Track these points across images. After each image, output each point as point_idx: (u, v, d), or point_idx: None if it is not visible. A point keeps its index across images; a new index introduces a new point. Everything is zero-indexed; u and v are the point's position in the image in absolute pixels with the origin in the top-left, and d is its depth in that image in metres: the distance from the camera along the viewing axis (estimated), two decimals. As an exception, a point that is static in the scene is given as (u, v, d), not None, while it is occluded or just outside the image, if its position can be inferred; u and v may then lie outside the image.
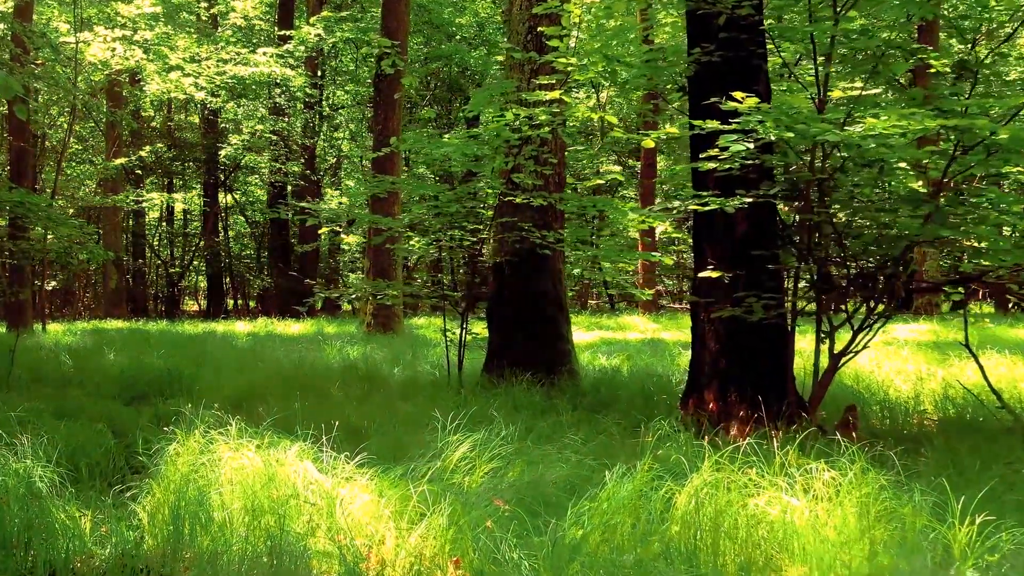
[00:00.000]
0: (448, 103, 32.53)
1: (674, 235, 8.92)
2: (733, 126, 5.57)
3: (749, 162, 5.77)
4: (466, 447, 5.20)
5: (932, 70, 7.33)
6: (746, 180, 6.41)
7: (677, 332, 18.12)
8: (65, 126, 25.32)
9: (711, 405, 6.91)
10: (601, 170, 31.74)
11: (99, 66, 20.61)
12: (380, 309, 16.47)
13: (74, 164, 29.64)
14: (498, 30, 30.50)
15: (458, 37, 29.46)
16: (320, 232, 12.04)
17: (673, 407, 7.64)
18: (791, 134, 5.22)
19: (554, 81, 8.35)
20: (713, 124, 5.55)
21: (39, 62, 18.17)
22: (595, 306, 34.45)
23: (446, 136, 8.42)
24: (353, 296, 8.58)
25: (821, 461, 4.23)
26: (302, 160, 27.82)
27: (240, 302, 35.21)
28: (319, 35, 24.99)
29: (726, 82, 6.59)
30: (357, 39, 27.04)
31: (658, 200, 27.53)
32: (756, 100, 5.19)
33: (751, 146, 5.16)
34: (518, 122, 8.12)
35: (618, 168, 33.65)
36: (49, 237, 13.12)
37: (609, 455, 5.34)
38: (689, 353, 11.95)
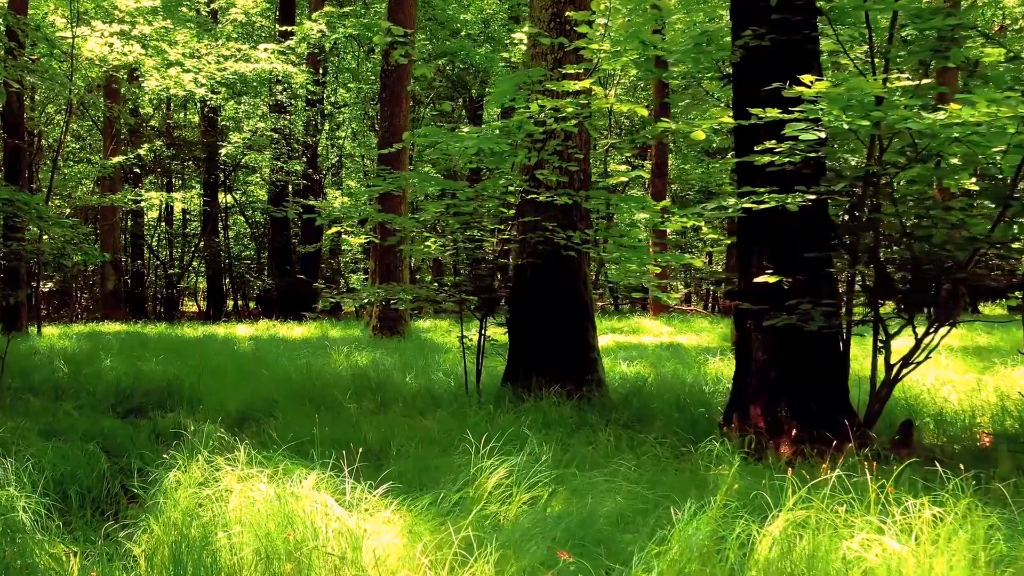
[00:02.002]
0: (452, 100, 31.91)
1: (715, 236, 8.27)
2: (795, 114, 5.01)
3: (812, 155, 5.20)
4: (502, 473, 4.63)
5: (986, 59, 6.78)
6: (799, 175, 5.86)
7: (693, 336, 17.57)
8: (61, 124, 24.74)
9: (759, 421, 6.34)
10: (609, 169, 31.16)
11: (96, 62, 20.02)
12: (387, 312, 15.90)
13: (71, 164, 29.02)
14: (503, 27, 29.90)
15: (463, 34, 28.86)
16: (329, 232, 11.45)
17: (713, 421, 7.08)
18: (866, 122, 4.66)
19: (581, 70, 7.79)
20: (773, 112, 4.99)
21: (34, 57, 17.59)
22: (600, 308, 33.87)
23: (465, 130, 7.83)
24: (365, 301, 8.00)
25: (925, 497, 3.66)
26: (304, 159, 27.21)
27: (240, 303, 34.57)
28: (322, 30, 24.39)
29: (778, 68, 6.02)
30: (360, 35, 26.43)
31: (668, 201, 26.92)
32: (827, 84, 4.62)
33: (823, 135, 4.59)
34: (543, 114, 7.56)
35: (624, 167, 33.02)
36: (44, 238, 12.56)
37: (663, 483, 4.78)
38: (716, 360, 11.47)
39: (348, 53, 31.98)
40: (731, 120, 5.32)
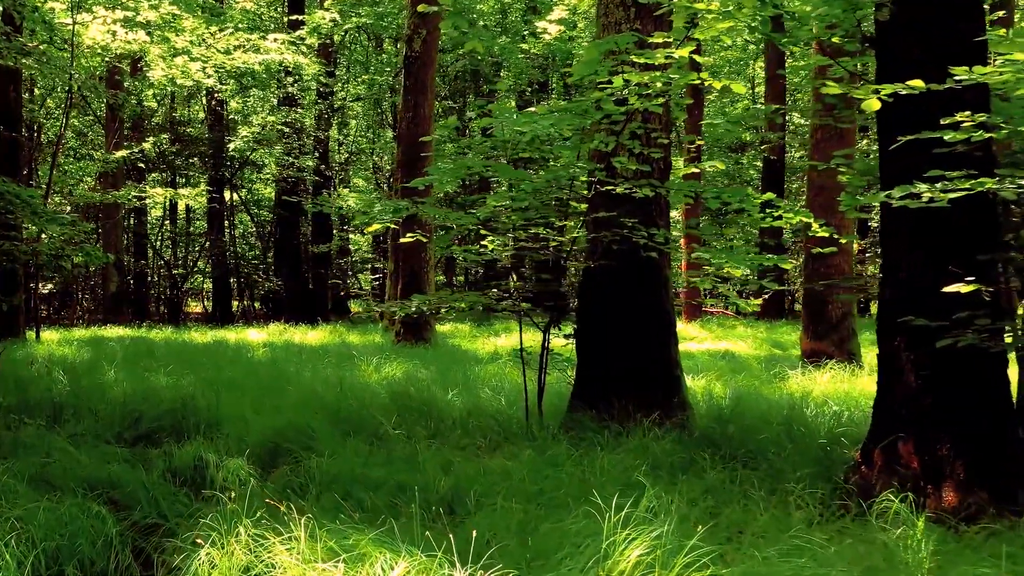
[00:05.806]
0: (464, 94, 30.77)
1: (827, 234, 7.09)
2: (1006, 75, 3.85)
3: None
4: (642, 548, 3.47)
5: None
6: (969, 158, 4.72)
7: (739, 342, 16.41)
8: (61, 117, 23.53)
9: (911, 460, 5.18)
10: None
11: (98, 50, 18.84)
12: (412, 317, 14.73)
13: (72, 160, 27.81)
14: (521, 18, 28.77)
15: (480, 23, 27.72)
16: (370, 230, 10.31)
17: (835, 458, 5.91)
18: None
19: (670, 39, 6.63)
20: (981, 70, 3.83)
21: (33, 45, 16.44)
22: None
23: (533, 109, 6.69)
24: (414, 311, 6.85)
25: None
26: (316, 154, 26.01)
27: (247, 304, 33.32)
28: (334, 19, 23.24)
29: (938, 26, 4.92)
30: (374, 24, 25.28)
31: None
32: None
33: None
34: (627, 91, 6.40)
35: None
36: (42, 237, 11.42)
37: (850, 559, 3.62)
38: (796, 374, 10.28)
39: (358, 46, 30.84)
40: (921, 84, 4.17)
